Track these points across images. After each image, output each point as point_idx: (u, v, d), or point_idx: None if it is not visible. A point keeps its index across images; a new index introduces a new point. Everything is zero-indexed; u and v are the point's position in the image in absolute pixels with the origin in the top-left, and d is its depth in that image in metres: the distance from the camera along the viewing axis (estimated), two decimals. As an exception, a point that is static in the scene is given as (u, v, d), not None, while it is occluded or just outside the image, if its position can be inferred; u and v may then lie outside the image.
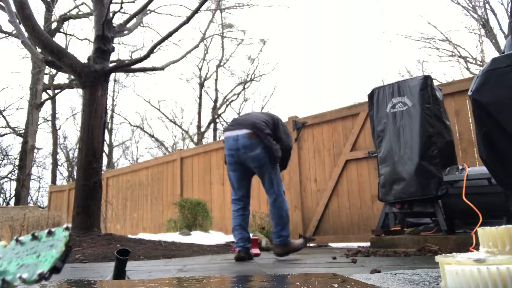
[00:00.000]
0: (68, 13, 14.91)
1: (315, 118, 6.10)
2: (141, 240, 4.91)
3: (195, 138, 20.75)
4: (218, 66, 20.33)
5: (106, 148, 21.21)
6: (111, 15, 5.79)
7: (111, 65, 5.88)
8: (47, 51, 5.43)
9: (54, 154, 20.25)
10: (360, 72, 31.98)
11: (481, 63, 14.85)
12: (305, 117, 6.24)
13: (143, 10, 6.81)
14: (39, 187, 22.69)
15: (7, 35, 10.27)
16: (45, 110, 22.12)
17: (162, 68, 6.66)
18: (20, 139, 16.11)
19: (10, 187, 19.77)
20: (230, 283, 0.99)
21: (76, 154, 21.22)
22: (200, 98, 20.61)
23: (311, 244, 5.74)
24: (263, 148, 3.17)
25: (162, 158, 8.96)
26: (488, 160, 1.64)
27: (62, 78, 17.31)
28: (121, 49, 20.36)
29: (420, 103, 3.77)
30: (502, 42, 14.09)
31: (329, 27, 33.87)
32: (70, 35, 16.04)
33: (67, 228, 0.60)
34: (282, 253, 3.31)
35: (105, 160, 19.44)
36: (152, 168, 8.86)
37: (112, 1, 6.11)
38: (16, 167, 16.66)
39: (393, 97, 3.99)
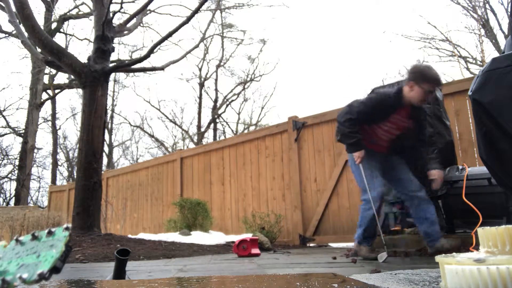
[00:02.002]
0: (68, 13, 14.90)
1: (315, 118, 6.10)
2: (141, 240, 4.91)
3: (195, 138, 20.75)
4: (218, 66, 20.33)
5: (106, 148, 21.21)
6: (111, 15, 5.79)
7: (111, 65, 5.89)
8: (47, 51, 5.43)
9: (54, 154, 20.25)
10: (360, 72, 31.98)
11: (481, 63, 14.84)
12: (305, 117, 6.23)
13: (143, 10, 6.82)
14: (39, 187, 22.69)
15: (7, 35, 10.29)
16: (45, 110, 22.10)
17: (162, 68, 6.67)
18: (20, 139, 16.12)
19: (10, 187, 19.76)
20: (230, 283, 0.99)
21: (76, 154, 21.21)
22: (200, 98, 20.62)
23: (311, 244, 5.75)
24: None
25: (162, 158, 8.96)
26: (488, 160, 1.64)
27: (62, 78, 17.33)
28: (121, 49, 20.34)
29: (420, 103, 3.75)
30: (502, 42, 14.08)
31: (329, 27, 33.88)
32: (70, 35, 16.06)
33: (67, 228, 0.60)
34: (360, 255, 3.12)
35: (105, 160, 19.44)
36: (152, 168, 8.86)
37: (112, 1, 6.11)
38: (16, 167, 16.67)
39: (393, 97, 3.97)
